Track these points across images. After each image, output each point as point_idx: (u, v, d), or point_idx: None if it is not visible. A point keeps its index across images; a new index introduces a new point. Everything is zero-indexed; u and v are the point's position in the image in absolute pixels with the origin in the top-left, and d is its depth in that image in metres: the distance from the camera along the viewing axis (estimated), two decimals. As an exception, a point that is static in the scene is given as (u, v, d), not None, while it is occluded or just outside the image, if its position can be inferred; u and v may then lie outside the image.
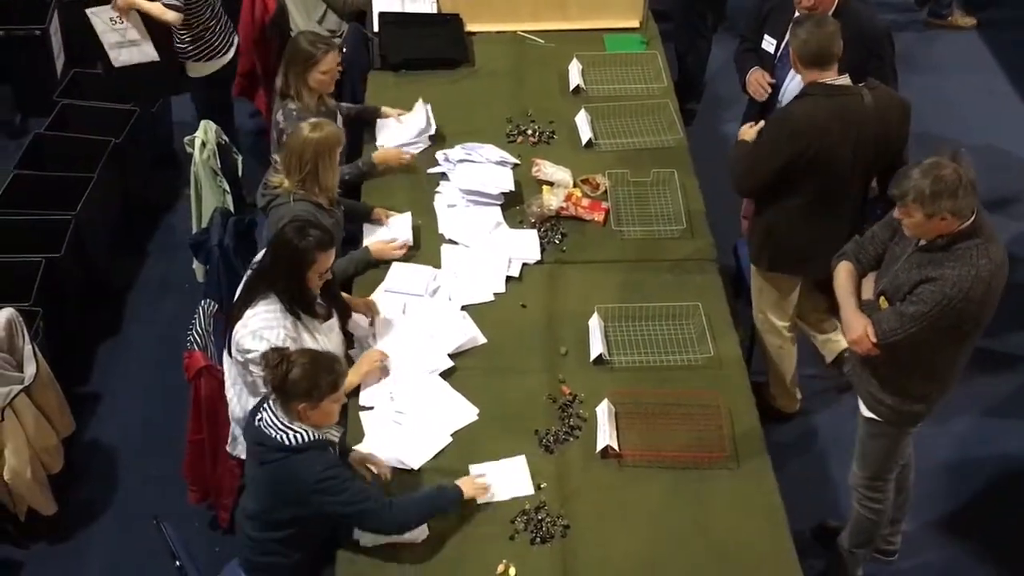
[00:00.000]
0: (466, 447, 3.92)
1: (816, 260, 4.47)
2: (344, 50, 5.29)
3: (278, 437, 3.44)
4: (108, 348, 5.61)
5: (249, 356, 3.83)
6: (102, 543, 4.75)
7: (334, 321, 4.08)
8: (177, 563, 3.75)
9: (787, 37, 4.57)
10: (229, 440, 4.25)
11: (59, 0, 6.74)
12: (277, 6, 5.94)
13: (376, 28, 5.82)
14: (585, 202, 4.84)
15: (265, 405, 3.53)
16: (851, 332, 3.84)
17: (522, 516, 3.70)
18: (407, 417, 4.00)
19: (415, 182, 5.00)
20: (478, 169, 4.93)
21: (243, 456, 3.96)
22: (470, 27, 5.90)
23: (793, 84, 4.73)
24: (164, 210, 6.35)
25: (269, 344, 3.79)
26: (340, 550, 3.62)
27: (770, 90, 4.92)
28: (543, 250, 4.68)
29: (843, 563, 4.44)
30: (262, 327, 3.83)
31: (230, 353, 3.98)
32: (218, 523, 4.67)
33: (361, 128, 5.28)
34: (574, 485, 3.81)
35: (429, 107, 5.27)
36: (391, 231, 4.71)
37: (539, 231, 4.75)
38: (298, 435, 3.43)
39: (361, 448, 3.87)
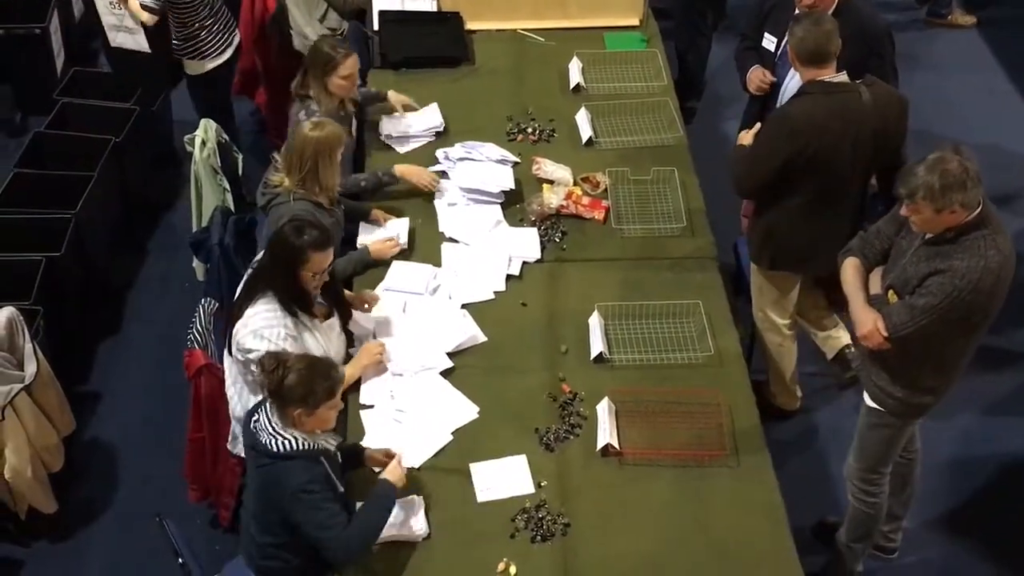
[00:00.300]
0: (466, 445, 3.93)
1: (817, 258, 4.47)
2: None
3: (268, 442, 3.42)
4: (108, 347, 5.61)
5: (250, 356, 3.83)
6: (102, 541, 4.76)
7: (335, 320, 4.08)
8: (180, 560, 3.75)
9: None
10: (229, 438, 4.25)
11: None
12: (277, 5, 5.93)
13: (376, 26, 5.82)
14: (585, 200, 4.84)
15: (261, 408, 3.52)
16: (861, 327, 3.83)
17: (522, 514, 3.70)
18: (407, 415, 4.00)
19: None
20: (478, 167, 4.93)
21: (243, 454, 3.96)
22: (470, 25, 5.90)
23: (793, 82, 4.72)
24: (164, 209, 6.35)
25: (270, 343, 3.79)
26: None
27: (769, 85, 4.92)
28: (543, 248, 4.67)
29: (842, 558, 4.44)
30: (263, 326, 3.83)
31: (230, 352, 3.98)
32: (218, 521, 4.67)
33: (361, 124, 5.25)
34: (574, 483, 3.81)
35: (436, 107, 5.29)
36: (388, 232, 4.70)
37: (539, 229, 4.75)
38: (287, 442, 3.41)
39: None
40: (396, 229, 4.71)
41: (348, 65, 4.75)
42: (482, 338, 4.30)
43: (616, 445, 3.87)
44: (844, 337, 5.06)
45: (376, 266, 4.57)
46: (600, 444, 3.87)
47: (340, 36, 5.76)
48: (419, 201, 4.86)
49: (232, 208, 5.14)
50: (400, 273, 4.54)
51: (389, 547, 3.59)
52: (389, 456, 3.72)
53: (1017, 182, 6.46)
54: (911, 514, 4.59)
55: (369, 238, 4.68)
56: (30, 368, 4.56)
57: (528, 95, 5.50)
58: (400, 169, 4.88)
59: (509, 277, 4.55)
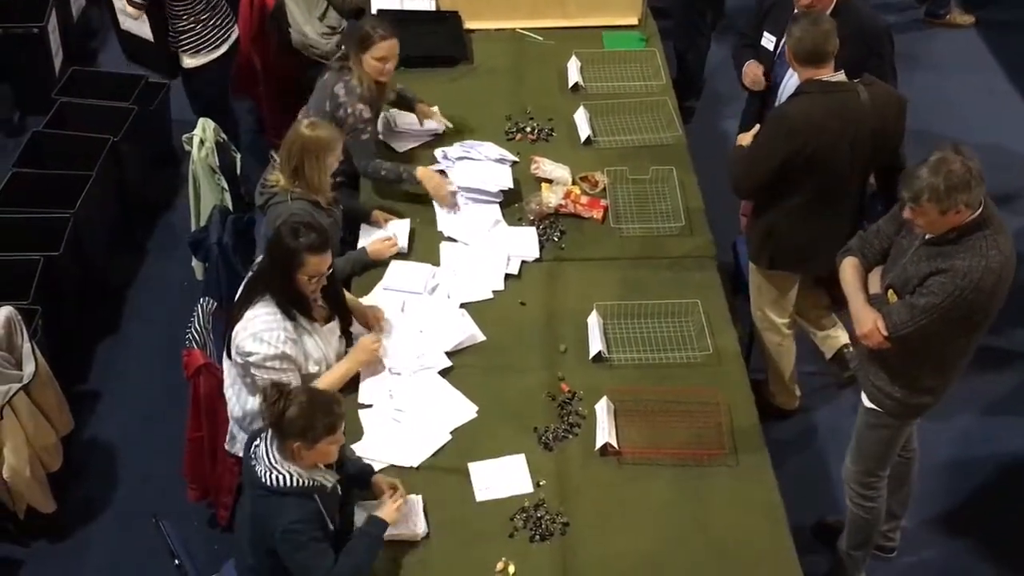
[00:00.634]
0: (465, 445, 3.92)
1: (817, 258, 4.47)
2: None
3: (264, 475, 3.39)
4: (107, 346, 5.61)
5: (250, 359, 3.82)
6: (101, 541, 4.75)
7: (335, 324, 4.07)
8: (176, 562, 3.75)
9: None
10: (228, 438, 4.24)
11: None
12: (276, 2, 5.92)
13: (375, 25, 5.82)
14: (584, 199, 4.84)
15: (263, 437, 3.47)
16: (861, 326, 3.83)
17: (521, 514, 3.70)
18: (406, 415, 4.00)
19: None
20: (477, 167, 4.93)
21: (241, 454, 3.95)
22: (469, 24, 5.89)
23: (792, 82, 4.71)
24: (163, 208, 6.34)
25: (270, 346, 3.78)
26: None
27: (764, 78, 4.92)
28: (542, 248, 4.67)
29: (843, 566, 4.43)
30: (262, 329, 3.82)
31: (229, 355, 3.96)
32: (217, 521, 4.66)
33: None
34: (573, 483, 3.80)
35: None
36: (387, 233, 4.69)
37: (538, 229, 4.75)
38: (282, 478, 3.37)
39: (357, 447, 3.85)
40: (396, 230, 4.70)
41: (383, 47, 4.70)
42: (481, 337, 4.30)
43: (615, 444, 3.87)
44: (843, 337, 5.06)
45: (375, 267, 4.57)
46: (599, 443, 3.87)
47: (339, 34, 5.76)
48: (418, 200, 4.86)
49: (230, 207, 5.14)
50: (399, 272, 4.53)
51: (388, 547, 3.58)
52: (394, 488, 3.64)
53: (1017, 182, 6.46)
54: (910, 514, 4.59)
55: (370, 239, 4.67)
56: (28, 368, 4.55)
57: (527, 94, 5.49)
58: (422, 173, 4.82)
59: (508, 276, 4.55)
